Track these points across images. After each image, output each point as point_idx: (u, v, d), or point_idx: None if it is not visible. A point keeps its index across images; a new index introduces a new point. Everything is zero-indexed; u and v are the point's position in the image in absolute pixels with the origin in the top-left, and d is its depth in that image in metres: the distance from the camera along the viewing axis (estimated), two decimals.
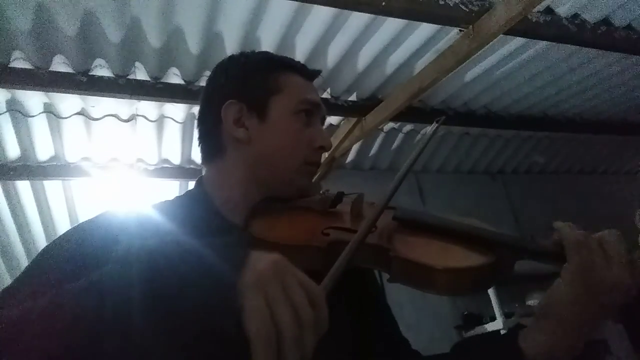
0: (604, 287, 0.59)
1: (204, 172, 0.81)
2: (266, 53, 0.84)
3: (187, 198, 0.78)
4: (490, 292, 2.77)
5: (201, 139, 0.81)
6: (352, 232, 0.68)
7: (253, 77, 0.78)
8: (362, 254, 0.65)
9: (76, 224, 0.67)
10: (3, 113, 2.34)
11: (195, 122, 0.83)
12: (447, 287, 0.63)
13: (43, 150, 2.63)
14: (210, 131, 0.79)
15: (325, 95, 2.66)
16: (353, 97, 2.74)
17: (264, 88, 0.77)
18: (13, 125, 2.43)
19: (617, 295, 0.60)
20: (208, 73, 1.11)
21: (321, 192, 0.79)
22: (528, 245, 0.65)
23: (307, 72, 0.82)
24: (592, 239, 0.61)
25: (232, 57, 0.84)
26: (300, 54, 2.29)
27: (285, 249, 0.65)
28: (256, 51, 0.85)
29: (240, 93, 0.77)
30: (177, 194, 0.98)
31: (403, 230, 0.70)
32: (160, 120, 2.62)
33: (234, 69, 0.81)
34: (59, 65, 2.09)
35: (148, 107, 2.51)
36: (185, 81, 2.32)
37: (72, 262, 0.59)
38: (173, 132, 2.74)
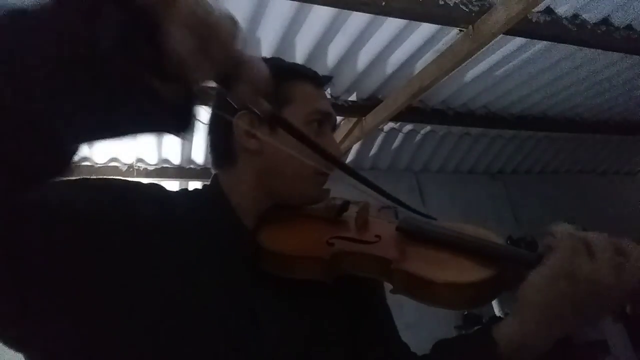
0: (583, 293, 0.56)
1: (215, 172, 0.81)
2: (278, 60, 0.83)
3: (207, 192, 0.79)
4: None
5: (212, 146, 0.81)
6: (357, 242, 0.70)
7: None
8: (366, 264, 0.66)
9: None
10: None
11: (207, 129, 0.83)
12: (448, 301, 0.63)
13: None
14: (222, 140, 0.79)
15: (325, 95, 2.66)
16: (353, 97, 2.74)
17: (275, 99, 0.73)
18: None
19: (596, 304, 0.57)
20: None
21: (330, 198, 0.79)
22: (529, 259, 0.63)
23: (317, 80, 0.82)
24: (584, 245, 0.57)
25: None
26: (300, 54, 2.29)
27: (289, 259, 0.67)
28: (267, 57, 0.82)
29: None
30: None
31: (406, 241, 0.70)
32: None
33: None
34: None
35: None
36: None
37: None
38: None
